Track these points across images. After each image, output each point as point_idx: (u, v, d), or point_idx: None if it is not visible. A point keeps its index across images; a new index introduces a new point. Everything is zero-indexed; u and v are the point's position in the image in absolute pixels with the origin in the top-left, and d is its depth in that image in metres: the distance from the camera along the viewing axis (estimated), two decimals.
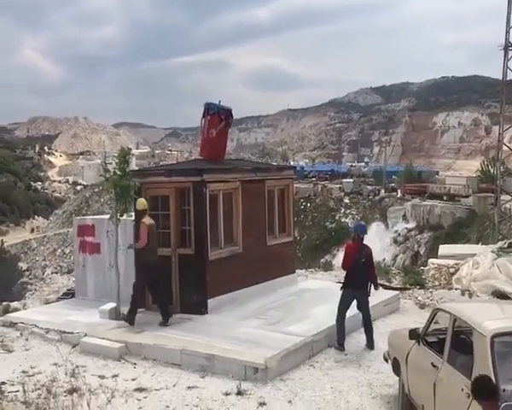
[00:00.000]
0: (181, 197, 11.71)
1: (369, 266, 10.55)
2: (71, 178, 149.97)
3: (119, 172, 11.27)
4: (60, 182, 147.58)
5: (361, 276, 10.31)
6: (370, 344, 10.40)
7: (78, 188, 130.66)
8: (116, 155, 11.85)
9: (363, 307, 10.56)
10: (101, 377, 9.09)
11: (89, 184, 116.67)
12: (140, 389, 8.55)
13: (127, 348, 10.15)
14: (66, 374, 9.08)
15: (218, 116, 12.92)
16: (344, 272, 10.83)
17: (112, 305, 11.50)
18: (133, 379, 8.98)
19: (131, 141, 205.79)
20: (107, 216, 12.59)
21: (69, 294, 14.88)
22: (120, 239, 11.77)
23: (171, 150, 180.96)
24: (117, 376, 9.14)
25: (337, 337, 10.32)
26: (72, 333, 10.93)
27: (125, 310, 11.33)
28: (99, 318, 11.46)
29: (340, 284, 10.86)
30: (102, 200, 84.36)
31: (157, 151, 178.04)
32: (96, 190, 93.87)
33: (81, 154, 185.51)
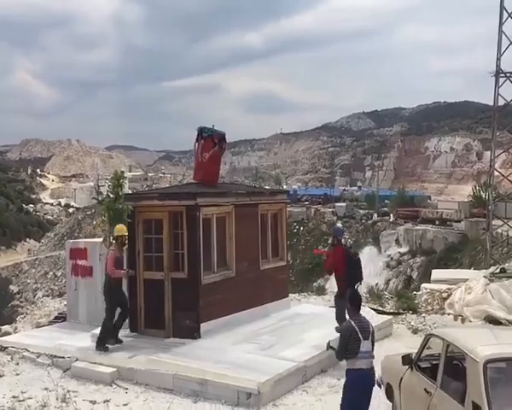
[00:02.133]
0: (174, 221, 11.71)
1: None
2: (63, 201, 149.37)
3: (112, 196, 11.29)
4: (52, 204, 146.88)
5: (355, 275, 11.12)
6: None
7: (71, 210, 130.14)
8: (109, 178, 11.87)
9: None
10: (93, 402, 9.02)
11: (81, 207, 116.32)
12: None
13: (119, 372, 10.08)
14: (57, 399, 9.00)
15: (211, 140, 12.98)
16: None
17: None
18: (125, 404, 8.91)
19: (124, 164, 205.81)
20: (100, 239, 12.57)
21: (61, 317, 14.78)
22: None
23: (164, 173, 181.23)
24: (108, 401, 9.06)
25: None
26: (63, 357, 10.85)
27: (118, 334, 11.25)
28: (91, 342, 11.36)
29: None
30: (95, 223, 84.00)
31: (150, 174, 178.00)
32: (89, 212, 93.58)
33: (73, 176, 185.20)
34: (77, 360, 10.65)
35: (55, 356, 10.98)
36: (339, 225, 11.65)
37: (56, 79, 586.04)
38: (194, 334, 11.30)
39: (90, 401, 9.02)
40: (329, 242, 11.93)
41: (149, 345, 10.96)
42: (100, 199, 12.07)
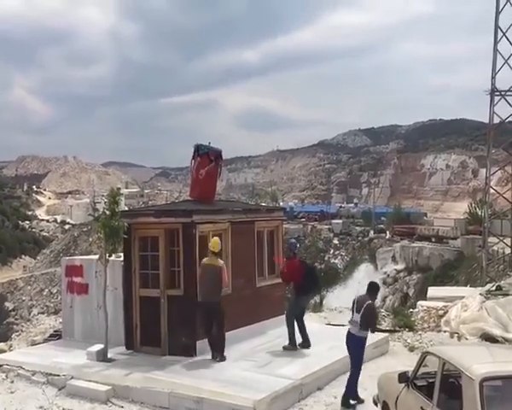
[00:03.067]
0: (170, 238, 11.72)
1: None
2: (59, 218, 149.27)
3: (108, 213, 11.29)
4: (48, 221, 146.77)
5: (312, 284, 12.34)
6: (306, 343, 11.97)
7: (67, 227, 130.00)
8: (106, 194, 11.89)
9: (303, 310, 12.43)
10: None
11: (77, 224, 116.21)
12: None
13: (114, 390, 10.02)
14: None
15: (207, 157, 13.03)
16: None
17: (99, 346, 11.37)
18: None
19: (121, 180, 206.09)
20: (96, 256, 12.54)
21: (56, 335, 14.70)
22: (109, 280, 11.72)
23: (160, 190, 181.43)
24: None
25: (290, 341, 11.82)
26: (58, 375, 10.78)
27: (114, 351, 11.24)
28: (86, 359, 11.31)
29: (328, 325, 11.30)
30: (91, 239, 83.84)
31: (146, 191, 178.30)
32: (85, 229, 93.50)
33: (70, 193, 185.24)
34: (72, 377, 10.59)
35: (51, 374, 10.90)
36: (292, 240, 12.49)
37: (52, 94, 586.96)
38: (190, 351, 11.27)
39: None
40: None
41: (145, 363, 10.92)
42: (96, 216, 12.06)
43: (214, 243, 11.33)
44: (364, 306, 9.21)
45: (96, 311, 12.72)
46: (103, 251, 11.43)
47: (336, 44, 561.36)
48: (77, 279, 13.50)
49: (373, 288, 9.61)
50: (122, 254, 12.22)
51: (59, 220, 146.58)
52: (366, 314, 9.22)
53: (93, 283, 13.06)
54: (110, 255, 11.51)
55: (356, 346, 9.54)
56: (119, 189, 12.34)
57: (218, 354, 11.08)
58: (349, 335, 9.60)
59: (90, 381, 10.37)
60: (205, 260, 11.26)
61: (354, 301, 9.52)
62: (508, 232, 37.01)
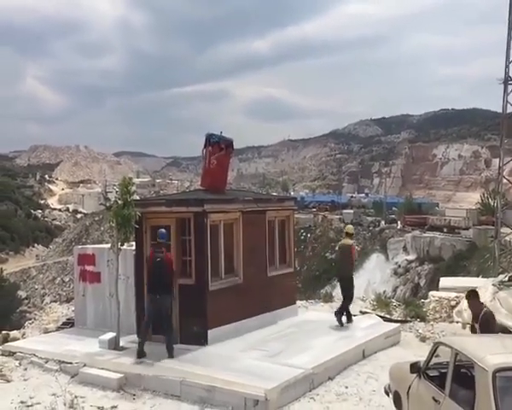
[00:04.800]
0: (182, 227, 11.73)
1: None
2: (71, 207, 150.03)
3: (120, 202, 11.31)
4: (60, 210, 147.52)
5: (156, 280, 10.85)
6: (170, 353, 10.67)
7: (79, 216, 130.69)
8: (117, 184, 11.90)
9: (166, 311, 10.88)
10: (100, 408, 9.03)
11: (89, 213, 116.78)
12: None
13: (126, 378, 10.08)
14: (64, 405, 9.03)
15: (218, 147, 13.02)
16: None
17: (111, 335, 11.44)
18: None
19: (132, 170, 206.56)
20: (108, 245, 12.59)
21: (69, 323, 14.80)
22: (121, 268, 11.77)
23: (171, 180, 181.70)
24: (116, 407, 9.08)
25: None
26: (71, 363, 10.86)
27: (125, 340, 11.31)
28: (98, 347, 11.38)
29: None
30: (102, 228, 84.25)
31: (158, 180, 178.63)
32: (97, 218, 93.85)
33: (81, 182, 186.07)
34: (84, 365, 10.67)
35: (63, 362, 10.99)
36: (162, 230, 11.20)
37: (64, 85, 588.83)
38: (201, 340, 11.30)
39: (98, 407, 9.04)
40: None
41: (157, 351, 10.94)
42: (108, 205, 12.08)
43: (349, 227, 14.10)
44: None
45: (108, 299, 12.80)
46: (115, 240, 11.47)
47: (347, 35, 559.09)
48: (89, 268, 13.57)
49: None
50: (134, 243, 12.26)
51: (71, 209, 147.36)
52: None
53: (105, 271, 13.14)
54: (122, 244, 11.54)
55: None
56: (130, 178, 12.33)
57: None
58: None
59: (102, 369, 10.44)
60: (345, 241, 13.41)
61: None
62: None
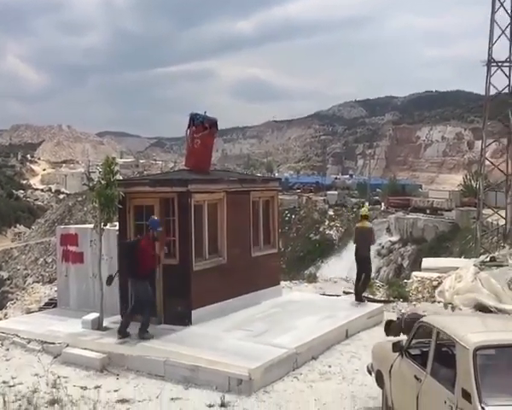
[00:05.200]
0: (166, 208, 11.68)
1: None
2: (53, 187, 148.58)
3: (103, 182, 11.22)
4: (42, 190, 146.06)
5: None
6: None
7: (61, 197, 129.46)
8: (101, 164, 11.80)
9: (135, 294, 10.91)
10: (84, 388, 9.01)
11: (72, 193, 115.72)
12: (122, 401, 8.49)
13: (110, 358, 10.07)
14: (47, 385, 9.00)
15: (202, 127, 12.94)
16: None
17: (95, 315, 11.41)
18: (116, 390, 8.92)
19: (115, 150, 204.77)
20: (91, 225, 12.51)
21: (51, 303, 14.73)
22: (104, 249, 11.71)
23: (155, 160, 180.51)
24: (99, 387, 9.06)
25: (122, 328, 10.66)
26: (53, 343, 10.83)
27: (109, 320, 11.29)
28: (81, 328, 11.35)
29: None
30: (85, 209, 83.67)
31: (141, 161, 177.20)
32: (79, 199, 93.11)
33: (64, 162, 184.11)
34: (67, 345, 10.64)
35: (46, 342, 10.96)
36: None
37: (46, 63, 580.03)
38: (185, 320, 11.31)
39: (81, 387, 9.02)
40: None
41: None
42: (91, 185, 11.97)
43: (365, 210, 14.87)
44: None
45: (91, 280, 12.74)
46: (98, 220, 11.40)
47: (332, 15, 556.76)
48: (72, 248, 13.48)
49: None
50: (117, 224, 12.19)
51: (53, 190, 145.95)
52: None
53: (88, 252, 13.05)
54: (105, 224, 11.49)
55: None
56: (114, 158, 12.22)
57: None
58: None
59: (85, 349, 10.42)
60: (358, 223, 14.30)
61: None
62: (502, 204, 37.17)
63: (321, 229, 69.01)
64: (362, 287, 13.99)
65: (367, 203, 16.48)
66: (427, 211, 61.95)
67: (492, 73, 33.67)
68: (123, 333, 10.63)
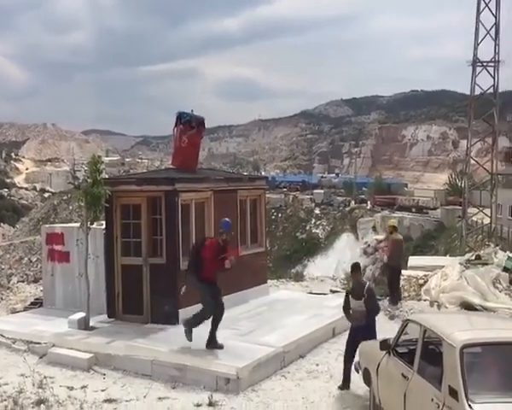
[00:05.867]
0: (152, 206, 11.64)
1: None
2: (38, 185, 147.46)
3: (89, 180, 11.16)
4: (27, 189, 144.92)
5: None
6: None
7: (46, 195, 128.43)
8: (86, 162, 11.74)
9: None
10: (70, 388, 8.95)
11: (57, 192, 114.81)
12: (109, 401, 8.45)
13: (96, 358, 10.01)
14: (33, 385, 8.93)
15: (189, 125, 12.92)
16: None
17: (81, 315, 11.33)
18: (103, 390, 8.87)
19: (101, 148, 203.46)
20: (77, 224, 12.43)
21: (37, 303, 14.61)
22: (90, 248, 11.65)
23: (141, 159, 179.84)
24: (86, 387, 9.01)
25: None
26: (39, 343, 10.74)
27: (95, 320, 11.23)
28: (68, 328, 11.27)
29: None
30: (71, 208, 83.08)
31: (127, 159, 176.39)
32: (65, 197, 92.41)
33: (49, 160, 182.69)
34: (53, 345, 10.56)
35: (31, 342, 10.86)
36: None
37: (30, 60, 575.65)
38: (172, 320, 11.27)
39: (68, 387, 8.95)
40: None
41: (127, 331, 10.92)
42: (76, 184, 11.89)
43: (394, 221, 16.18)
44: (366, 289, 8.78)
45: (77, 279, 12.63)
46: (84, 219, 11.33)
47: (318, 14, 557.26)
48: (58, 247, 13.37)
49: (358, 267, 9.38)
50: (104, 223, 12.13)
51: (38, 188, 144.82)
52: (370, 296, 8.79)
53: (74, 251, 12.94)
54: (92, 223, 11.42)
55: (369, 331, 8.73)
56: (99, 156, 12.16)
57: None
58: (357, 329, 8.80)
59: (71, 349, 10.35)
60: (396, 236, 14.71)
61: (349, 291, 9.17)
62: (487, 203, 37.48)
63: (307, 228, 69.13)
64: (396, 297, 14.37)
65: (394, 220, 16.98)
66: (413, 210, 62.35)
67: (477, 72, 33.98)
68: (213, 344, 9.99)
